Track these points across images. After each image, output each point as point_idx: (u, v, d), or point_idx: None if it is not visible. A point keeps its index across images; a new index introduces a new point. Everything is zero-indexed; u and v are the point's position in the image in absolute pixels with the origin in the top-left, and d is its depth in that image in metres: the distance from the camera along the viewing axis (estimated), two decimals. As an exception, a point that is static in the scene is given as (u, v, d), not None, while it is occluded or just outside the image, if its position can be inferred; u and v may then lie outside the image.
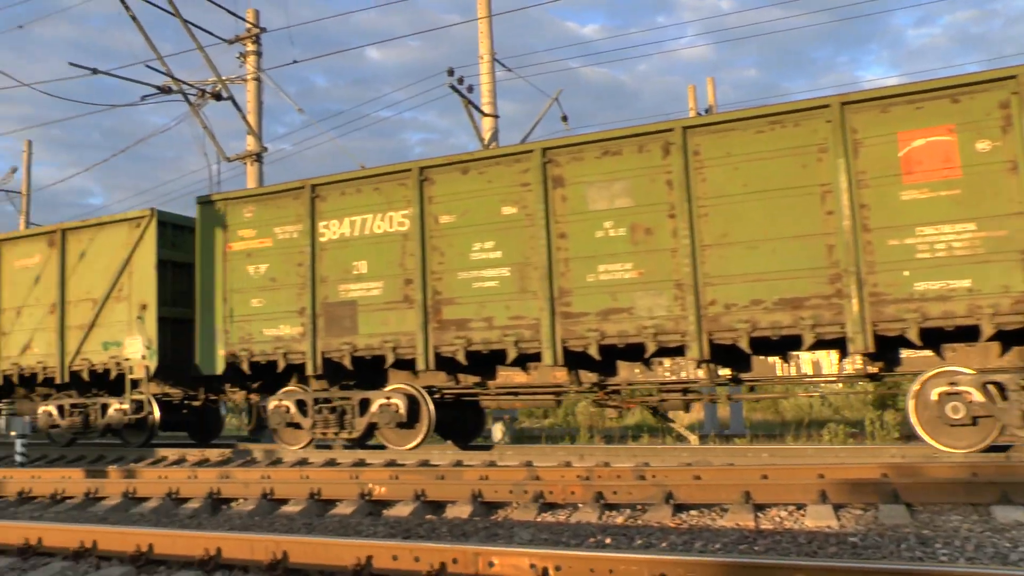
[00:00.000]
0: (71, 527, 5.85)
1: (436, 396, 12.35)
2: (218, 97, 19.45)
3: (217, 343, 13.32)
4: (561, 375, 11.66)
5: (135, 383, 14.41)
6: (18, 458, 13.57)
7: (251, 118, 20.05)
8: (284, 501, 8.12)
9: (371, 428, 12.51)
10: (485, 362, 12.02)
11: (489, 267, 11.49)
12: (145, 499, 8.71)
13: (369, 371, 12.80)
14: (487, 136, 19.77)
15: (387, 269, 12.13)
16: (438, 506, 7.64)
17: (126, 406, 14.46)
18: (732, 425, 18.35)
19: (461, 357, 11.50)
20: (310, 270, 12.60)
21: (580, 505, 7.22)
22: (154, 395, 14.55)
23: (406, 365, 12.32)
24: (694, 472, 7.84)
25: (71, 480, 9.43)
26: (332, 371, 12.74)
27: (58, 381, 15.05)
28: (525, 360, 11.78)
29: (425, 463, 11.09)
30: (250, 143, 20.04)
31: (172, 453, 13.31)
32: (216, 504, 8.34)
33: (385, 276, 12.13)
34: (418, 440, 12.18)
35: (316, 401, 12.77)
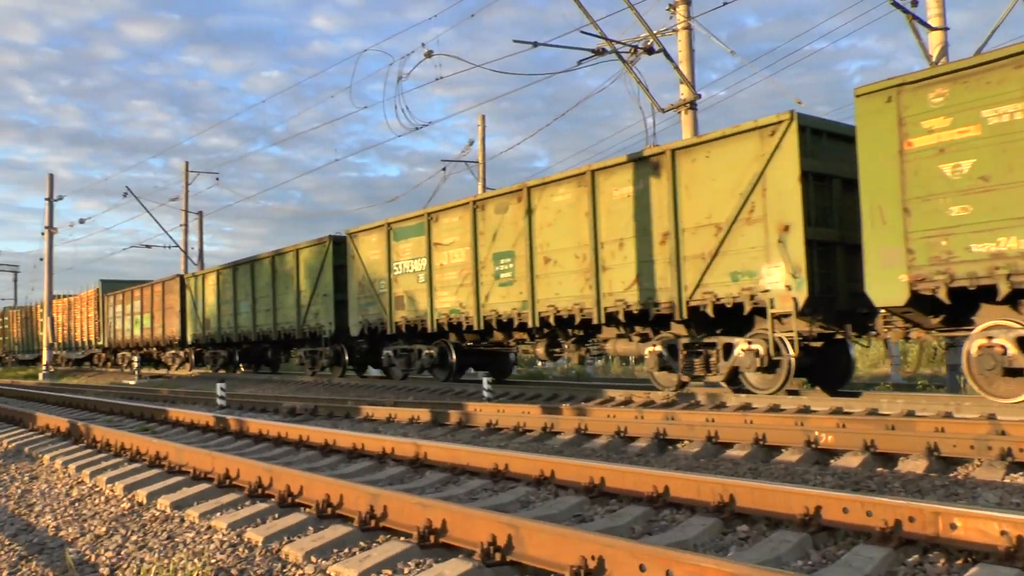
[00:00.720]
0: (533, 457, 6.38)
1: None
2: (650, 51, 19.79)
3: (893, 266, 10.80)
4: None
5: (777, 319, 12.44)
6: (485, 394, 15.10)
7: (683, 67, 20.14)
8: (729, 445, 8.17)
9: None
10: None
11: None
12: (595, 436, 9.26)
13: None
14: (935, 53, 17.93)
15: None
16: (888, 458, 7.24)
17: (757, 347, 12.70)
18: None
19: None
20: (1049, 160, 9.64)
21: (1061, 467, 6.45)
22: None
23: None
24: None
25: (530, 415, 10.32)
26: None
27: (677, 318, 13.68)
28: None
29: (873, 412, 10.55)
30: (683, 92, 20.17)
31: (618, 394, 13.98)
32: (662, 444, 8.62)
33: None
34: None
35: None
